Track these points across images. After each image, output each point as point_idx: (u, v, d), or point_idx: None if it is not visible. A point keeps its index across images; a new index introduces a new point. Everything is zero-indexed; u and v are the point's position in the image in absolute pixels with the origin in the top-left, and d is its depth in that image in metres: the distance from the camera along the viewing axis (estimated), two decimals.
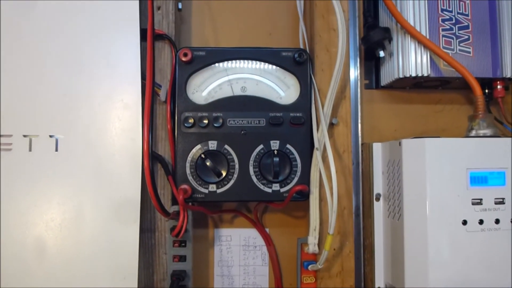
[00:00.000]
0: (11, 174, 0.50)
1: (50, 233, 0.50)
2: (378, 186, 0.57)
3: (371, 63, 0.63)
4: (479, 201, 0.49)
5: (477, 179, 0.49)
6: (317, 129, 0.54)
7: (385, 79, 0.60)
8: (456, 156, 0.49)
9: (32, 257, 0.49)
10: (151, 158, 0.47)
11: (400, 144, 0.51)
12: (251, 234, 0.62)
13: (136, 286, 0.50)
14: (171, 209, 0.53)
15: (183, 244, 0.53)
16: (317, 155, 0.53)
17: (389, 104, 0.63)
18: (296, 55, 0.54)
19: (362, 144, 0.60)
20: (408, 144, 0.50)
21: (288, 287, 0.62)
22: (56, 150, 0.51)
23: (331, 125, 0.56)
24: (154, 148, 0.54)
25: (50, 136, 0.51)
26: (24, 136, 0.51)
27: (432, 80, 0.58)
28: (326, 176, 0.52)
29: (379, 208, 0.57)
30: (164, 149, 0.54)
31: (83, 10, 0.53)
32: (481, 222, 0.49)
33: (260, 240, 0.62)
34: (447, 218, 0.48)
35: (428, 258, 0.48)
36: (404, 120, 0.63)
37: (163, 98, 0.54)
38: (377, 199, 0.57)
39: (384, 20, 0.60)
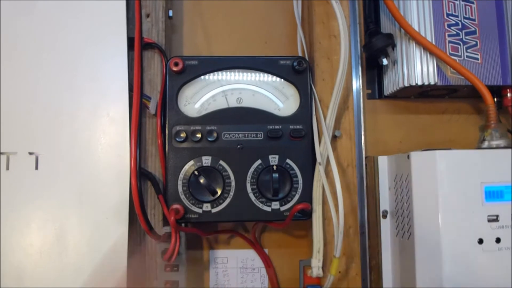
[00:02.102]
0: None
1: (30, 260, 0.47)
2: (385, 202, 0.54)
3: (374, 71, 0.61)
4: (495, 217, 0.46)
5: (493, 194, 0.47)
6: (319, 142, 0.51)
7: (389, 88, 0.58)
8: (469, 169, 0.46)
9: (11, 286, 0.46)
10: (139, 175, 0.45)
11: (408, 157, 0.48)
12: (249, 256, 0.59)
13: None
14: (162, 230, 0.50)
15: (176, 269, 0.50)
16: (319, 170, 0.49)
17: (393, 114, 0.61)
18: (295, 64, 0.51)
19: (366, 158, 0.57)
20: (418, 157, 0.48)
21: None
22: (36, 168, 0.48)
23: (334, 138, 0.53)
24: (143, 165, 0.51)
25: (30, 153, 0.48)
26: (1, 153, 0.48)
27: (438, 89, 0.56)
28: (331, 193, 0.49)
29: (386, 226, 0.54)
30: (154, 166, 0.51)
31: (64, 17, 0.50)
32: (498, 240, 0.46)
33: (258, 262, 0.59)
34: (462, 237, 0.46)
35: (442, 280, 0.45)
36: (409, 131, 0.61)
37: (153, 111, 0.51)
38: (384, 216, 0.54)
39: (386, 25, 0.57)
